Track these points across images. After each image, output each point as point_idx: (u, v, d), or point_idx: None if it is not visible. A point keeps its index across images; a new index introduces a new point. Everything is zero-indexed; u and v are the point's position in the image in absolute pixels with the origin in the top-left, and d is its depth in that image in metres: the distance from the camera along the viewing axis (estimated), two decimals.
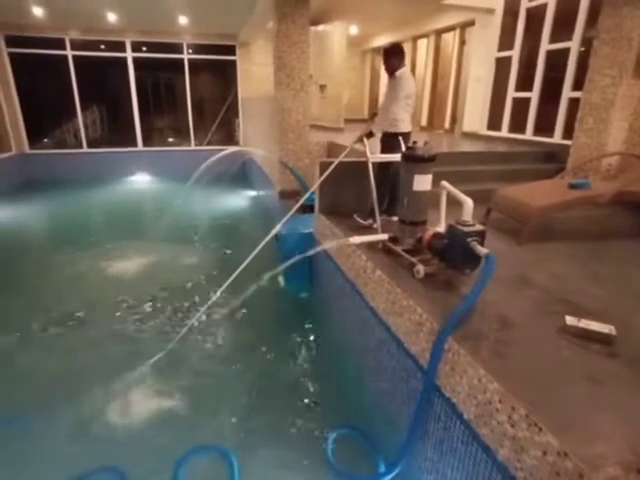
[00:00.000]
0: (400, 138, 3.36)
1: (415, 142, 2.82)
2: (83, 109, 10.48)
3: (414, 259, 2.62)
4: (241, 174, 10.16)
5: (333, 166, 3.60)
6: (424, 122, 9.73)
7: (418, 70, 9.88)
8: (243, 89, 11.12)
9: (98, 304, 4.28)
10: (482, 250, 2.22)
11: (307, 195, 3.89)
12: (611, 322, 1.98)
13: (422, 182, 2.72)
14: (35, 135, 10.38)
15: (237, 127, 11.68)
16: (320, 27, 8.54)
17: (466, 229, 2.30)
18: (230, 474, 2.33)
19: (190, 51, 10.77)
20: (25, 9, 7.87)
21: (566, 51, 5.73)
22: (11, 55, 9.53)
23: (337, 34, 8.53)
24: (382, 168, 3.48)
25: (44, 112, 10.33)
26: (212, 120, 11.34)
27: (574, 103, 5.30)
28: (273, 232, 3.79)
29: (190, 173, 6.31)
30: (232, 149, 6.57)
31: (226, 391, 3.07)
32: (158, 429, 2.67)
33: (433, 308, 2.17)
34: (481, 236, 2.33)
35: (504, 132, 6.95)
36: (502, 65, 6.96)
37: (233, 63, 11.06)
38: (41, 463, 2.41)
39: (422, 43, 9.71)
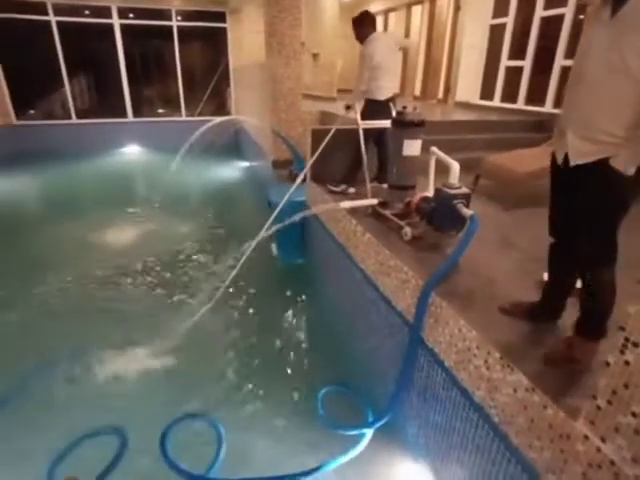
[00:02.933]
0: (390, 104, 3.41)
1: (405, 107, 2.86)
2: (70, 79, 10.20)
3: (402, 222, 2.71)
4: (233, 144, 10.06)
5: (331, 133, 3.57)
6: (417, 92, 9.65)
7: (412, 38, 9.70)
8: (234, 57, 10.87)
9: (94, 271, 4.35)
10: (467, 211, 2.31)
11: (308, 165, 3.88)
12: None
13: (411, 147, 2.78)
14: (22, 106, 10.13)
15: (229, 96, 11.48)
16: None
17: (452, 191, 2.38)
18: (218, 440, 2.41)
19: (179, 18, 10.44)
20: None
21: (560, 18, 5.68)
22: None
23: (330, 0, 8.34)
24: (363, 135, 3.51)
25: (30, 82, 10.02)
26: (203, 90, 11.11)
27: (566, 71, 5.29)
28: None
29: (181, 144, 6.29)
30: (222, 118, 6.52)
31: (219, 354, 3.15)
32: (151, 393, 2.77)
33: (419, 267, 2.28)
34: (467, 199, 2.41)
35: (496, 101, 6.94)
36: (496, 33, 6.88)
37: (224, 30, 10.77)
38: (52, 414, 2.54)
39: (416, 10, 9.51)
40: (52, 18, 9.47)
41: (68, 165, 9.14)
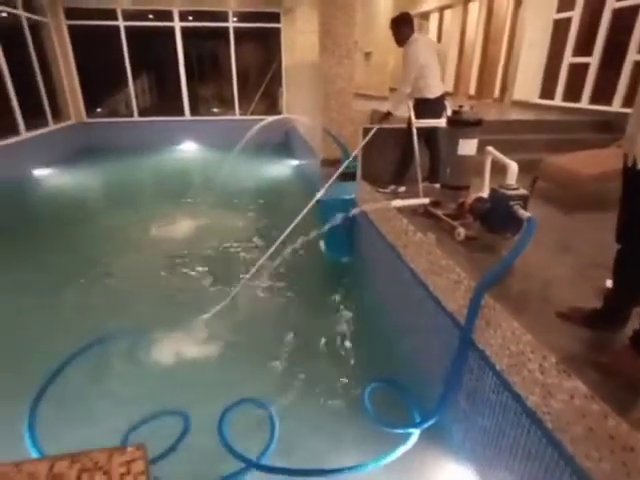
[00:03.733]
0: (445, 103, 3.37)
1: (461, 106, 2.82)
2: (134, 79, 10.87)
3: (455, 223, 2.68)
4: (284, 143, 10.26)
5: (373, 132, 3.62)
6: (472, 91, 9.37)
7: (468, 35, 9.46)
8: (287, 57, 11.08)
9: (152, 257, 4.68)
10: (524, 213, 2.25)
11: (346, 162, 3.95)
12: None
13: (467, 147, 2.74)
14: (91, 105, 10.95)
15: (280, 96, 11.71)
16: None
17: (509, 192, 2.33)
18: (271, 424, 2.50)
19: (235, 19, 10.79)
20: None
21: (635, 9, 5.31)
22: (70, 27, 9.98)
23: None
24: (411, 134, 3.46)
25: (99, 82, 10.80)
26: (256, 89, 11.41)
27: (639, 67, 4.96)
28: (317, 196, 3.92)
29: (234, 142, 6.52)
30: (275, 117, 6.68)
31: (267, 344, 3.27)
32: (205, 377, 2.89)
33: (472, 268, 2.25)
34: (524, 200, 2.35)
35: (557, 100, 6.61)
36: (560, 27, 6.55)
37: (277, 31, 11.01)
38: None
39: (474, 6, 9.23)
40: (121, 23, 10.13)
41: (130, 160, 9.80)
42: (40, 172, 8.36)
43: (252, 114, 11.27)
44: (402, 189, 3.62)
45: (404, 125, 3.54)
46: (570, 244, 2.63)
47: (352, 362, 3.08)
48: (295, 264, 4.19)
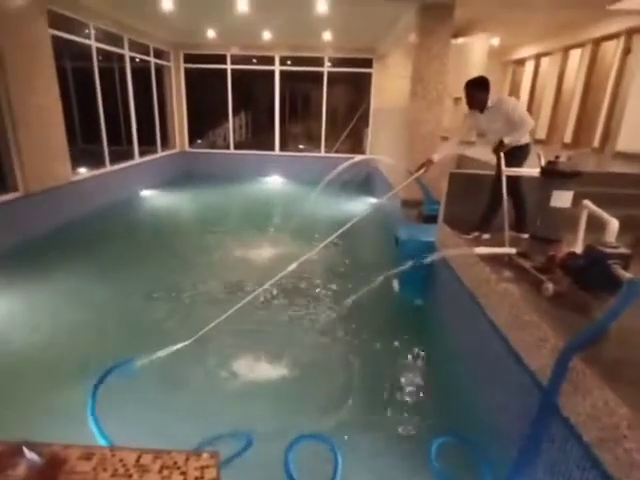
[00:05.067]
0: (539, 152, 3.27)
1: (557, 157, 2.73)
2: (233, 115, 11.99)
3: (543, 276, 2.55)
4: (366, 182, 10.47)
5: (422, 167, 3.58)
6: (568, 139, 8.90)
7: (567, 82, 9.10)
8: (375, 100, 11.49)
9: (228, 278, 5.01)
10: (625, 274, 2.08)
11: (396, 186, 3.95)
12: None
13: (561, 199, 2.63)
14: (194, 136, 12.23)
15: (365, 136, 12.08)
16: (460, 40, 8.46)
17: (608, 250, 2.18)
18: (334, 464, 2.44)
19: (329, 64, 11.51)
20: (202, 31, 9.40)
21: None
22: (185, 70, 11.40)
23: (478, 46, 8.37)
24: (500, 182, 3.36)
25: (203, 117, 12.10)
26: (343, 129, 11.93)
27: None
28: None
29: (317, 177, 6.80)
30: (362, 157, 6.90)
31: (332, 381, 3.23)
32: (271, 406, 2.93)
33: (559, 326, 2.11)
34: (625, 260, 2.18)
35: None
36: None
37: (368, 75, 11.51)
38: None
39: (575, 53, 8.91)
40: (229, 66, 11.33)
41: (222, 187, 10.72)
42: (145, 192, 9.42)
43: (337, 152, 11.74)
44: (486, 236, 3.53)
45: (489, 172, 3.49)
46: None
47: (419, 410, 2.95)
48: (367, 300, 4.18)
